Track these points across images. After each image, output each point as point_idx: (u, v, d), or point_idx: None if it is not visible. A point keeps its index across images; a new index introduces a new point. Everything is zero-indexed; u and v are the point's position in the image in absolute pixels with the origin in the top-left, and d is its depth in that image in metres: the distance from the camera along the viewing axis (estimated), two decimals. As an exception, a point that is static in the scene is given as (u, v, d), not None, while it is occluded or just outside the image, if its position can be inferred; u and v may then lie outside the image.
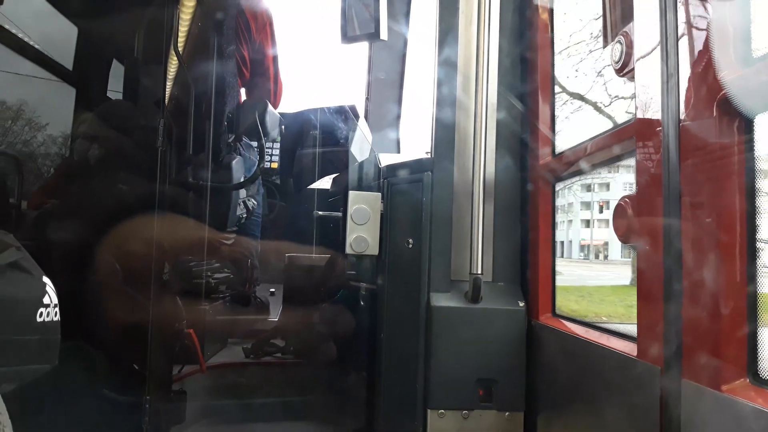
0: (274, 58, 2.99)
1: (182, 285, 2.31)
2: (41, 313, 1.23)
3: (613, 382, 1.30)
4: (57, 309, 1.28)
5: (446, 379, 1.68)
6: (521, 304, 1.73)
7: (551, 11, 1.82)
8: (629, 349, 1.25)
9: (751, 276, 0.98)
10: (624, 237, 1.30)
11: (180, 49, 2.51)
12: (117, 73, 2.87)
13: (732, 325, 0.99)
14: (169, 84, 2.53)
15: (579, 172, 1.72)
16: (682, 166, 1.08)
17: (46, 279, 1.28)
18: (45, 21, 2.51)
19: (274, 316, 2.84)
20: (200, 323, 2.31)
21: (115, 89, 2.82)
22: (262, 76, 2.95)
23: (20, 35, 2.37)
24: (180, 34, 2.50)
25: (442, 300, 1.71)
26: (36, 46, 2.48)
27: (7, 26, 2.25)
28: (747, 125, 1.00)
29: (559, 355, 1.58)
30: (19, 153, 2.40)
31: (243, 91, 2.98)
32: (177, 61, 2.54)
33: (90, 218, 2.11)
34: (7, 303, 1.16)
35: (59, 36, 2.61)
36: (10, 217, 2.20)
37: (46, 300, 1.25)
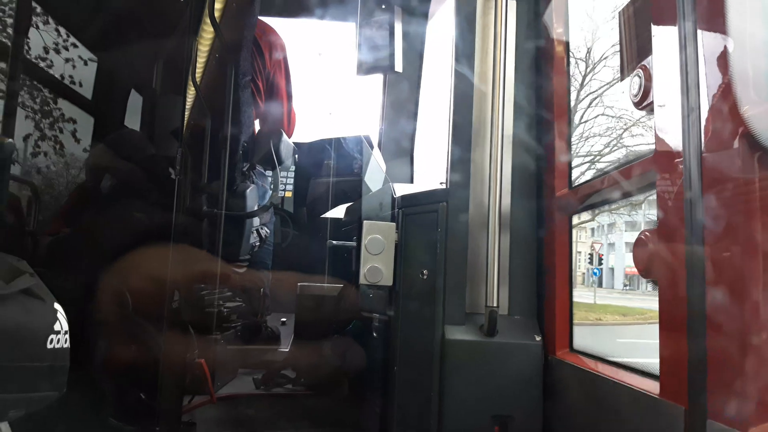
0: (288, 89, 3.01)
1: (193, 314, 2.30)
2: (51, 340, 1.22)
3: (634, 422, 1.26)
4: (67, 336, 1.27)
5: (461, 415, 1.64)
6: (538, 338, 1.69)
7: (567, 44, 1.82)
8: (651, 387, 1.21)
9: (779, 314, 0.96)
10: (645, 271, 1.27)
11: (197, 79, 2.55)
12: (135, 103, 2.92)
13: (759, 363, 0.96)
14: (186, 114, 2.57)
15: (596, 205, 1.70)
16: (705, 200, 1.06)
17: (57, 306, 1.27)
18: (65, 50, 2.56)
19: (285, 347, 2.82)
20: (211, 353, 2.28)
21: (133, 119, 2.86)
22: (275, 107, 2.98)
23: (41, 64, 2.41)
24: (198, 65, 2.54)
25: (457, 333, 1.68)
26: (56, 75, 2.52)
27: (28, 55, 2.29)
28: (771, 159, 0.99)
29: (577, 392, 1.54)
30: (36, 180, 2.42)
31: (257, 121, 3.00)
32: (194, 92, 2.58)
33: (103, 246, 2.12)
34: (18, 329, 1.16)
35: (79, 65, 2.66)
36: (26, 243, 2.21)
37: (57, 327, 1.24)
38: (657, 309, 1.18)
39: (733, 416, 0.98)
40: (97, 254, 2.06)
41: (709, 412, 1.02)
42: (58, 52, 2.50)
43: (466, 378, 1.65)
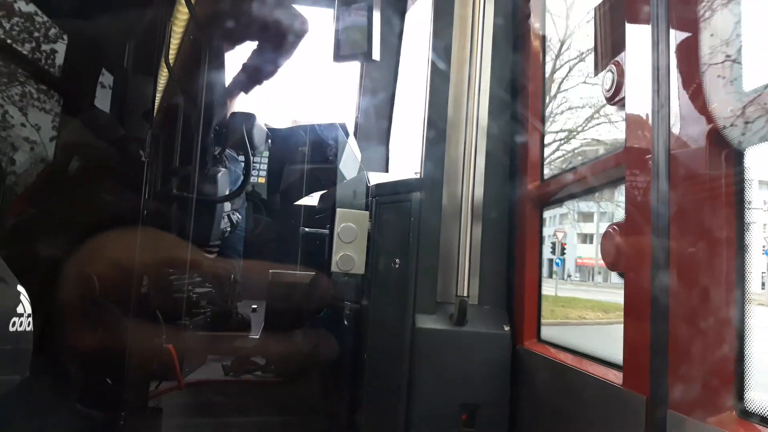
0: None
1: (162, 299, 2.27)
2: (14, 323, 1.20)
3: (597, 411, 1.29)
4: (30, 319, 1.25)
5: (430, 403, 1.66)
6: (506, 328, 1.71)
7: (543, 38, 1.84)
8: (615, 377, 1.24)
9: (739, 306, 0.98)
10: (612, 264, 1.30)
11: (171, 60, 2.50)
12: (106, 83, 2.85)
13: (719, 356, 0.99)
14: (158, 95, 2.52)
15: (567, 198, 1.73)
16: (672, 195, 1.09)
17: (20, 288, 1.24)
18: (34, 26, 2.49)
19: (256, 333, 2.80)
20: (180, 339, 2.26)
21: (103, 99, 2.79)
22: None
23: (8, 40, 2.34)
24: (171, 46, 2.49)
25: (427, 322, 1.69)
26: (23, 52, 2.45)
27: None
28: (737, 156, 1.01)
29: (543, 381, 1.56)
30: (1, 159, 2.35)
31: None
32: (167, 73, 2.53)
33: (69, 228, 2.07)
34: (-21, 312, 1.13)
35: (48, 43, 2.59)
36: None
37: (19, 309, 1.22)
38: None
39: (692, 406, 1.01)
40: (63, 236, 2.01)
41: (670, 401, 1.05)
42: (25, 27, 2.42)
43: (436, 366, 1.66)
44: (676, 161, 1.09)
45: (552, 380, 1.51)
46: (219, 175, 2.51)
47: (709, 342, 1.00)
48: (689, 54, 1.09)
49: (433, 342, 1.67)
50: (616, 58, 1.34)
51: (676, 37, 1.11)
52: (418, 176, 1.83)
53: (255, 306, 3.12)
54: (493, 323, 1.72)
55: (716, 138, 1.02)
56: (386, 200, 1.85)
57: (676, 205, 1.08)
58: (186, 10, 2.40)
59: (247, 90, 2.96)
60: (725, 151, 1.02)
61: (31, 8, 2.42)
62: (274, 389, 2.62)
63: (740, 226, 1.01)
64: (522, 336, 1.70)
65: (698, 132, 1.05)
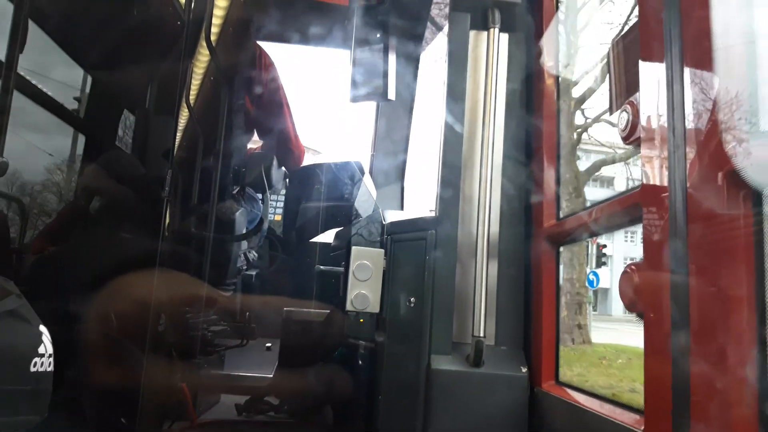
0: (292, 120, 3.02)
1: (178, 337, 2.27)
2: (35, 363, 1.21)
3: (619, 456, 1.26)
4: (51, 359, 1.26)
5: (446, 446, 1.63)
6: (524, 369, 1.69)
7: (557, 78, 1.86)
8: (636, 422, 1.21)
9: (762, 348, 0.96)
10: (630, 305, 1.28)
11: (191, 101, 2.56)
12: (128, 123, 2.92)
13: (743, 401, 0.96)
14: (178, 135, 2.57)
15: (583, 237, 1.72)
16: (690, 235, 1.08)
17: (42, 328, 1.25)
18: (60, 69, 2.57)
19: (270, 372, 2.78)
20: (194, 377, 2.25)
21: (125, 139, 2.86)
22: (280, 139, 2.97)
23: (35, 82, 2.42)
24: (192, 87, 2.55)
25: (442, 363, 1.67)
26: (49, 93, 2.53)
27: (22, 72, 2.30)
28: (755, 196, 1.00)
29: (562, 425, 1.53)
30: (25, 197, 2.40)
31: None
32: (187, 113, 2.59)
33: (90, 267, 2.10)
34: (2, 351, 1.14)
35: (73, 84, 2.67)
36: (11, 262, 2.19)
37: (41, 350, 1.23)
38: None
39: (717, 452, 0.98)
40: (83, 275, 2.04)
41: (694, 447, 1.02)
42: (53, 70, 2.50)
43: (452, 408, 1.64)
44: (693, 201, 1.08)
45: (571, 424, 1.47)
46: (236, 214, 2.54)
47: (734, 386, 0.98)
48: (704, 93, 1.09)
49: (449, 383, 1.65)
50: (631, 98, 1.35)
51: (690, 76, 1.12)
52: (433, 214, 1.83)
53: (269, 344, 3.10)
54: (510, 364, 1.70)
55: (734, 178, 1.01)
56: (401, 238, 1.85)
57: (695, 245, 1.07)
58: (207, 51, 2.47)
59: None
60: (743, 191, 1.01)
61: (57, 50, 2.50)
62: (288, 429, 2.59)
63: (760, 267, 1.00)
64: (540, 378, 1.67)
65: (715, 172, 1.04)
